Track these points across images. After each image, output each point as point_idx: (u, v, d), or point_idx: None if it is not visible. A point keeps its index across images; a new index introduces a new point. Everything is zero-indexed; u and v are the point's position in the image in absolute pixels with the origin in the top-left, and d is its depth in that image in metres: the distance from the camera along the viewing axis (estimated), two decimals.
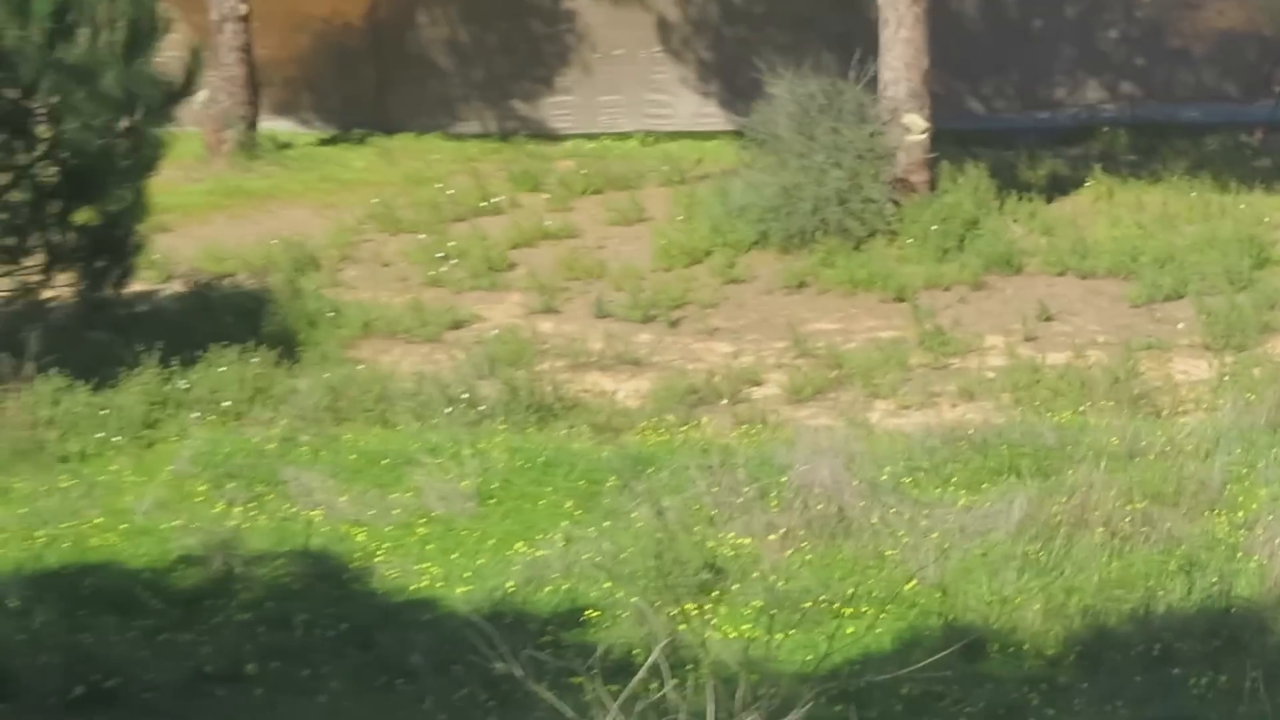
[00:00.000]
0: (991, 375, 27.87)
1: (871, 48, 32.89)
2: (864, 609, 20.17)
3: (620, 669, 13.68)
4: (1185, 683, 18.27)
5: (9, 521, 23.51)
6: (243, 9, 36.82)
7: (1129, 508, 22.30)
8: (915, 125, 33.04)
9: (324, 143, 38.70)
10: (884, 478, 23.43)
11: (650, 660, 12.05)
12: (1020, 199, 33.96)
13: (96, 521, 23.45)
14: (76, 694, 18.82)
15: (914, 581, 20.73)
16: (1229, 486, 23.08)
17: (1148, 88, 40.40)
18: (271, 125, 37.92)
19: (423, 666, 19.25)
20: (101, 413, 26.22)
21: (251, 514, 23.55)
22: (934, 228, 32.16)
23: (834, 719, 12.88)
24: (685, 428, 26.12)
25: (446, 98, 39.01)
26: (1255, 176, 36.08)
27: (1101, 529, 21.91)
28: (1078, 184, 35.75)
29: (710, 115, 38.22)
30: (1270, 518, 21.78)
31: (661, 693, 11.66)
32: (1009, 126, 39.04)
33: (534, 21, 39.09)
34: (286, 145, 37.94)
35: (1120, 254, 32.08)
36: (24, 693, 18.82)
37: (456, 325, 29.85)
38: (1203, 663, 18.75)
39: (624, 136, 38.39)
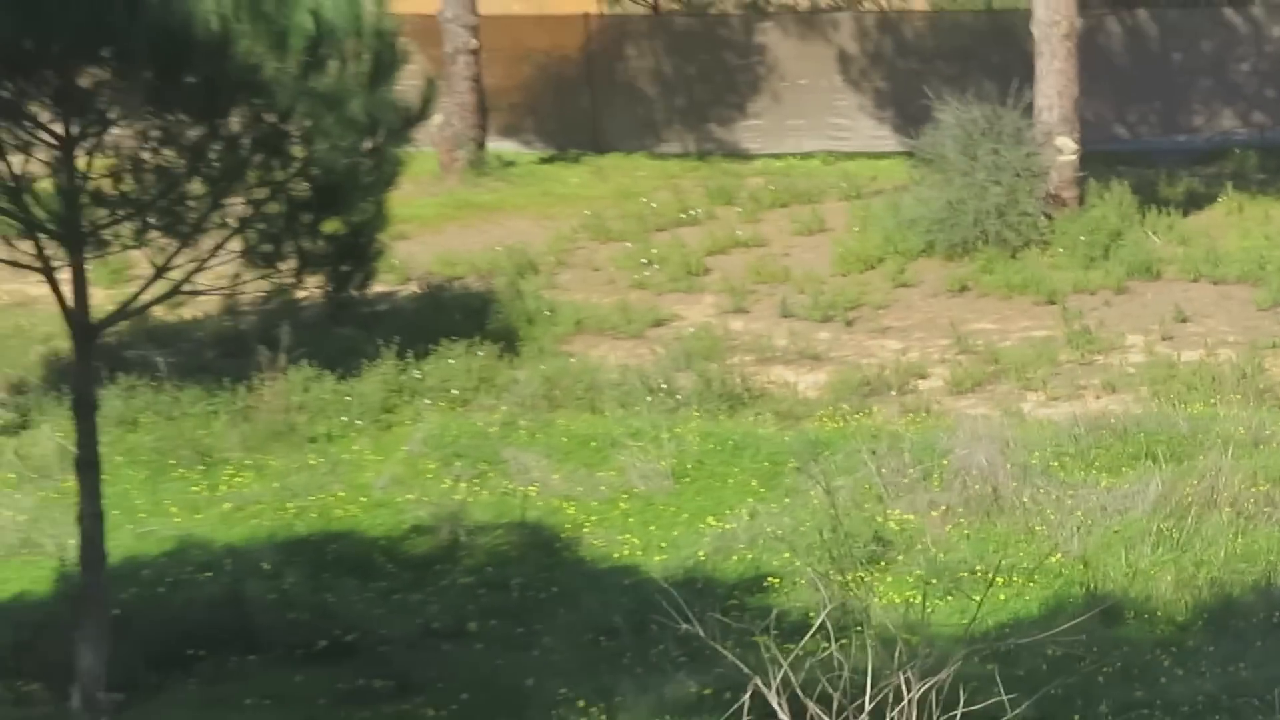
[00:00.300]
0: (1131, 371, 27.67)
1: (1028, 78, 32.70)
2: (1013, 578, 20.15)
3: (795, 630, 13.68)
4: None
5: (264, 494, 23.76)
6: (474, 43, 36.95)
7: (1253, 490, 22.18)
8: (1066, 147, 32.86)
9: (543, 161, 38.79)
10: (1034, 461, 23.33)
11: (819, 622, 12.05)
12: (1159, 213, 33.64)
13: (340, 495, 23.67)
14: (320, 646, 19.01)
15: (1059, 554, 20.66)
16: None
17: (1276, 115, 40.00)
18: (498, 146, 38.05)
19: (623, 626, 19.34)
20: (345, 399, 26.45)
21: (475, 489, 23.72)
22: (1082, 238, 31.96)
23: (984, 676, 12.75)
24: (858, 416, 26.05)
25: (651, 121, 39.07)
26: None
27: (1228, 509, 21.80)
28: (1211, 200, 35.40)
29: (884, 137, 38.11)
30: None
31: (828, 651, 11.65)
32: (1150, 148, 38.71)
33: (729, 54, 39.12)
34: (511, 163, 38.06)
35: (1249, 262, 31.78)
36: (275, 645, 19.03)
37: (658, 323, 29.87)
38: None
39: (807, 156, 38.29)
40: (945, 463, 23.08)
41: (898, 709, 11.16)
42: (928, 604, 19.10)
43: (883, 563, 20.82)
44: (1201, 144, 40.00)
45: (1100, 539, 21.18)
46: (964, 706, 11.25)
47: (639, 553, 21.71)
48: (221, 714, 17.66)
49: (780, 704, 11.17)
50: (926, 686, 11.22)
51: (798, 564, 20.35)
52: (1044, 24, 32.96)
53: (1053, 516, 21.68)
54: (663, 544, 21.96)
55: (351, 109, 18.02)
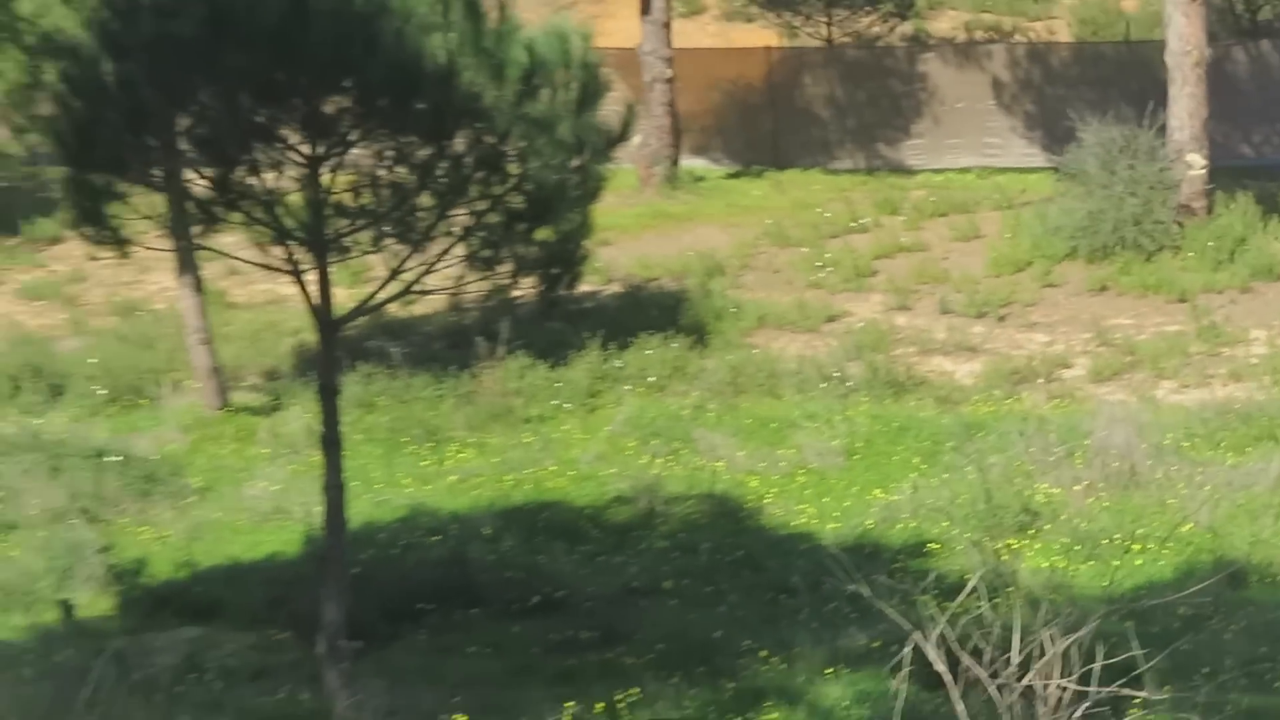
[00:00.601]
0: (1255, 362, 27.39)
1: (1161, 102, 32.37)
2: (1148, 546, 19.97)
3: (951, 591, 13.60)
4: None
5: (485, 468, 23.92)
6: (668, 73, 37.00)
7: None
8: (1196, 163, 32.52)
9: (729, 176, 38.73)
10: (1166, 442, 23.16)
11: (973, 584, 12.01)
12: None
13: (551, 469, 23.80)
14: (533, 602, 19.14)
15: (1189, 524, 20.45)
16: None
17: None
18: (689, 163, 38.05)
19: (800, 585, 19.32)
20: (556, 385, 26.59)
21: (669, 465, 23.77)
22: (1210, 244, 31.61)
23: (1121, 633, 12.64)
24: (1009, 401, 25.94)
25: (825, 141, 38.99)
26: None
27: None
28: None
29: (1033, 155, 37.80)
30: None
31: (981, 610, 11.60)
32: (1273, 165, 38.13)
33: (894, 81, 38.99)
34: (701, 178, 38.04)
35: None
36: (493, 600, 19.18)
37: (830, 319, 29.80)
38: None
39: (964, 171, 38.01)
40: (1087, 443, 22.92)
41: (1042, 662, 11.11)
42: (1070, 568, 18.99)
43: (1030, 531, 20.72)
44: None
45: (1227, 511, 20.96)
46: (1102, 660, 11.19)
47: (814, 521, 21.72)
48: (447, 660, 17.80)
49: (937, 656, 11.15)
50: (1069, 642, 11.16)
51: (955, 532, 20.31)
52: (1176, 53, 32.65)
53: (1184, 491, 21.49)
54: (835, 514, 21.94)
55: (561, 131, 18.09)
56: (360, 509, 20.45)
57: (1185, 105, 32.65)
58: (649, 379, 26.95)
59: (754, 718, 15.96)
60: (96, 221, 17.88)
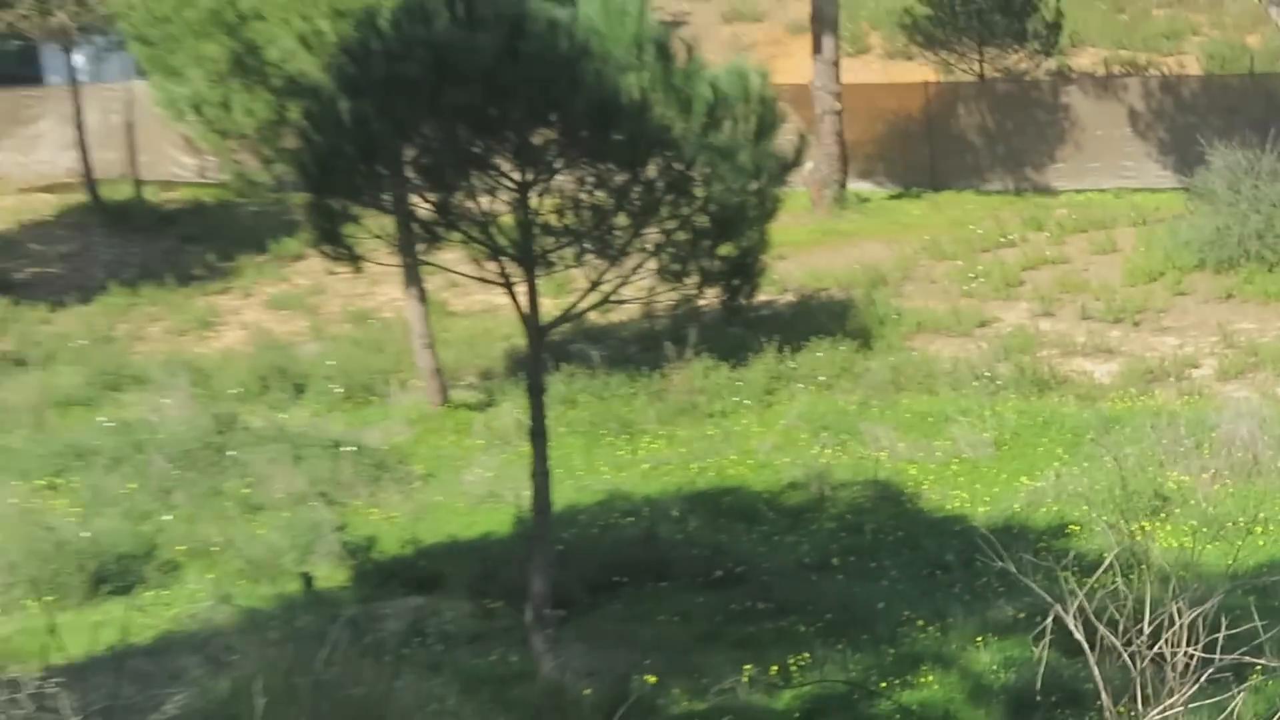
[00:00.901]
0: None
1: None
2: (1269, 528, 19.76)
3: (1090, 568, 13.48)
4: None
5: (673, 457, 24.02)
6: (837, 106, 36.95)
7: None
8: None
9: (892, 198, 38.59)
10: None
11: (1108, 562, 11.93)
12: None
13: (732, 458, 23.85)
14: (716, 576, 19.19)
15: None
16: None
17: None
18: (855, 186, 37.97)
19: (954, 562, 19.29)
20: (736, 383, 26.66)
21: (837, 454, 23.78)
22: None
23: (1244, 607, 12.52)
24: (1142, 398, 25.71)
25: (978, 165, 38.74)
26: None
27: None
28: None
29: (1165, 177, 37.36)
30: None
31: (1116, 585, 11.51)
32: None
33: (1039, 111, 38.65)
34: (866, 200, 37.94)
35: None
36: (681, 574, 19.24)
37: (982, 324, 29.66)
38: None
39: (1102, 192, 37.64)
40: (1214, 435, 22.68)
41: (1171, 632, 11.02)
42: (1198, 548, 18.75)
43: (1162, 515, 20.54)
44: None
45: None
46: (1225, 630, 11.08)
47: (966, 505, 21.65)
48: (640, 627, 17.89)
49: (1076, 626, 11.09)
50: (1195, 614, 11.06)
51: (1093, 515, 20.15)
52: None
53: None
54: (985, 498, 21.86)
55: (741, 159, 18.11)
56: (563, 493, 20.62)
57: None
58: (819, 378, 26.96)
59: (912, 680, 15.94)
60: (334, 241, 18.13)
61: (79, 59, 40.88)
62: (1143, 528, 19.43)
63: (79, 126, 38.55)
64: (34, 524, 20.57)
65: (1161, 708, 10.39)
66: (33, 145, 41.30)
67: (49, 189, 39.74)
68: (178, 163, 38.91)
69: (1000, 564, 12.82)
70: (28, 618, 17.48)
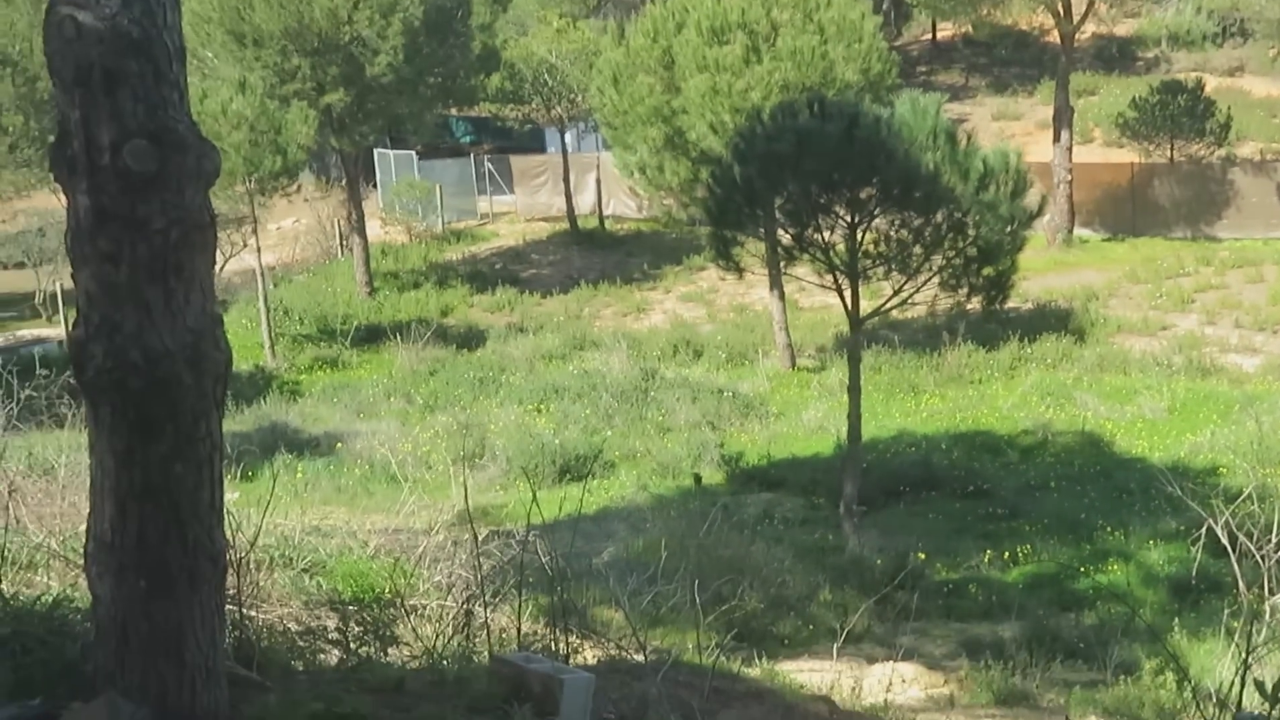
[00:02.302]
0: None
1: None
2: None
3: (1234, 496, 12.93)
4: None
5: (944, 409, 23.62)
6: (1069, 177, 35.91)
7: None
8: None
9: (1104, 240, 37.22)
10: None
11: (1247, 492, 11.42)
12: None
13: (985, 412, 23.37)
14: (969, 490, 18.87)
15: None
16: None
17: None
18: (1079, 232, 36.72)
19: (1135, 489, 18.61)
20: (989, 362, 26.08)
21: (1057, 413, 23.03)
22: None
23: None
24: (1277, 383, 24.39)
25: (1166, 220, 37.05)
26: None
27: None
28: None
29: None
30: None
31: (1252, 509, 11.03)
32: None
33: (1212, 184, 36.81)
34: (1085, 241, 36.66)
35: None
36: (945, 488, 18.95)
37: (1163, 329, 28.32)
38: None
39: (1255, 240, 35.66)
40: None
41: None
42: None
43: None
44: None
45: None
46: None
47: (1146, 451, 20.84)
48: (916, 521, 17.72)
49: (1222, 535, 10.66)
50: None
51: (1238, 462, 19.21)
52: None
53: None
54: (1160, 448, 20.99)
55: (1000, 211, 17.75)
56: (868, 429, 20.43)
57: None
58: (1047, 360, 26.21)
59: (1103, 567, 15.50)
60: (726, 257, 18.32)
61: (568, 136, 41.83)
62: (1274, 472, 18.54)
63: (566, 180, 39.49)
64: (525, 433, 21.20)
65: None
66: (536, 192, 42.33)
67: (545, 220, 40.74)
68: (626, 205, 39.50)
69: (1169, 490, 12.43)
70: (518, 492, 18.04)
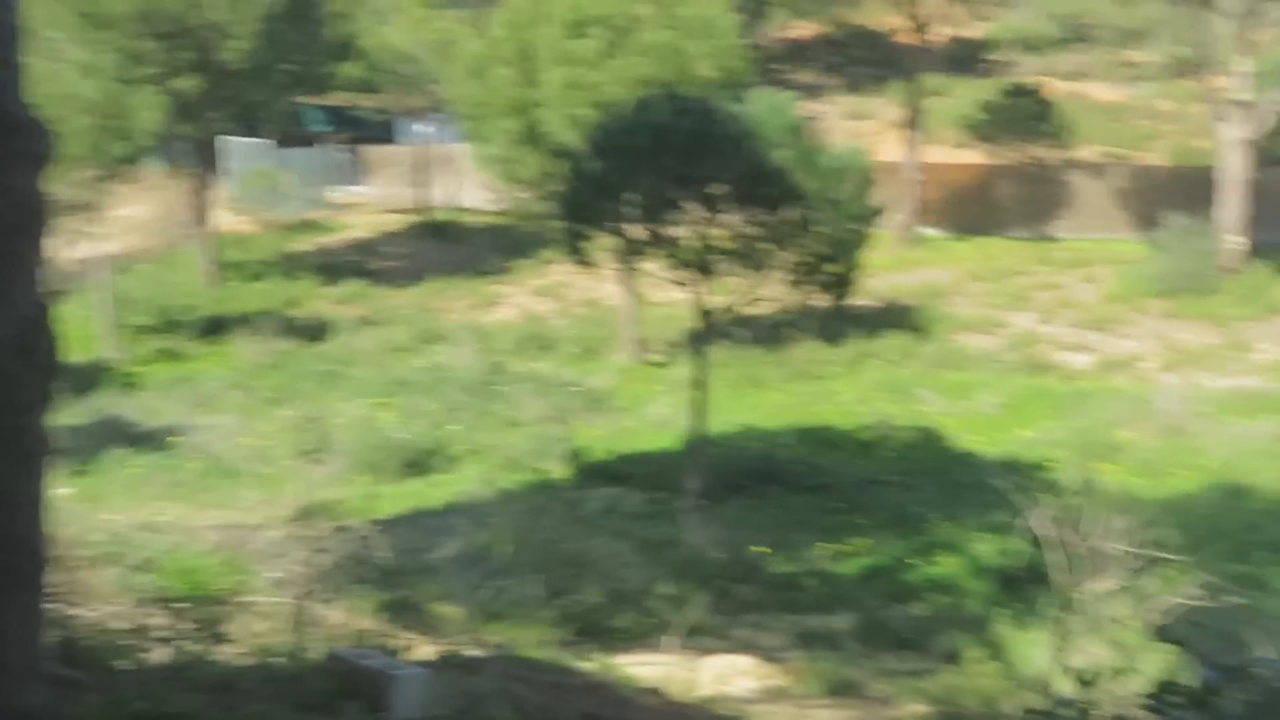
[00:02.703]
0: (1264, 363, 26.26)
1: (1218, 202, 31.26)
2: (1183, 471, 19.36)
3: (1061, 492, 13.33)
4: None
5: (788, 404, 23.94)
6: (918, 177, 36.64)
7: None
8: (1235, 241, 31.23)
9: (948, 239, 37.94)
10: (1204, 410, 22.35)
11: (1070, 488, 11.78)
12: None
13: (827, 407, 23.75)
14: (810, 484, 19.17)
15: (1213, 459, 19.73)
16: None
17: None
18: (927, 231, 37.41)
19: (969, 483, 18.95)
20: (834, 358, 26.51)
21: (898, 408, 23.45)
22: (1241, 291, 30.13)
23: (1163, 520, 12.29)
24: (1107, 380, 25.17)
25: (1006, 219, 37.78)
26: None
27: None
28: None
29: (1134, 233, 36.37)
30: None
31: (1075, 503, 11.35)
32: None
33: (1051, 186, 37.79)
34: (932, 240, 37.33)
35: None
36: (787, 482, 19.22)
37: (999, 326, 28.97)
38: None
39: (1090, 241, 36.65)
40: (1153, 407, 22.20)
41: (1109, 530, 10.74)
42: (1135, 482, 18.43)
43: (1113, 459, 20.05)
44: None
45: (1234, 453, 20.16)
46: (1146, 536, 10.84)
47: (981, 445, 21.28)
48: (758, 515, 17.90)
49: (1044, 527, 10.95)
50: (1123, 523, 10.82)
51: (1066, 456, 19.78)
52: (1226, 173, 31.56)
53: (1210, 439, 20.76)
54: (994, 442, 21.44)
55: (848, 208, 18.11)
56: (714, 425, 20.55)
57: (1230, 206, 31.47)
58: (890, 357, 26.72)
59: (934, 558, 15.90)
60: (577, 252, 18.39)
61: (425, 127, 41.50)
62: (1098, 467, 19.14)
63: (420, 172, 39.22)
64: (369, 427, 21.04)
65: (1097, 583, 10.27)
66: (390, 183, 41.95)
67: (399, 211, 40.42)
68: (481, 198, 39.38)
69: (997, 483, 12.79)
70: (360, 487, 17.93)
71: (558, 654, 10.81)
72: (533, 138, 26.86)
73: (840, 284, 19.05)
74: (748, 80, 27.48)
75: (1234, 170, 31.60)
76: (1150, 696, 5.62)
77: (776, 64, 47.40)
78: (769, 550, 15.62)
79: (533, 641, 11.13)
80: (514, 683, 8.59)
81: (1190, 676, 5.80)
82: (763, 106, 18.61)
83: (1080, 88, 44.02)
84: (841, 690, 11.23)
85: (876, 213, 22.88)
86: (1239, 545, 15.94)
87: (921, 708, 10.80)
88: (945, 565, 15.57)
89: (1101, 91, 44.17)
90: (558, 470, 19.74)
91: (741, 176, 17.24)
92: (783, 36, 51.23)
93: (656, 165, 17.17)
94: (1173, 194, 34.77)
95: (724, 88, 26.11)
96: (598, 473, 19.68)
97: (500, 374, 24.44)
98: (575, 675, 9.79)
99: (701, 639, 11.91)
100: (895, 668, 12.07)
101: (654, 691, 9.42)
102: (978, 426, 22.38)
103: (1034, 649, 11.27)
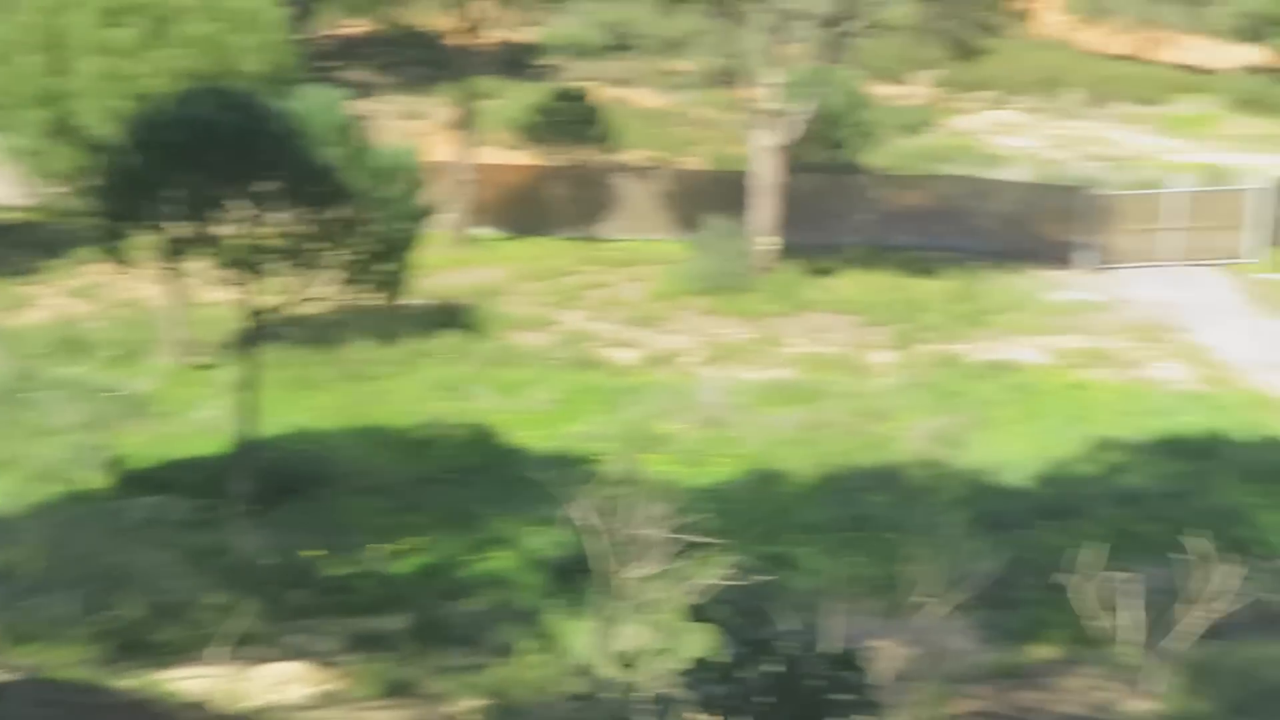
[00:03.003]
0: (793, 355, 27.72)
1: (752, 205, 32.96)
2: (723, 459, 20.18)
3: (610, 483, 13.66)
4: None
5: (346, 405, 23.41)
6: (471, 177, 36.81)
7: None
8: (767, 242, 32.89)
9: (503, 239, 38.12)
10: (738, 401, 23.43)
11: (614, 478, 12.08)
12: (816, 275, 33.38)
13: (384, 407, 23.37)
14: (367, 485, 18.97)
15: (747, 448, 20.64)
16: None
17: (885, 232, 39.52)
18: (481, 231, 37.59)
19: (522, 478, 19.21)
20: (389, 357, 26.12)
21: (455, 406, 23.35)
22: (773, 289, 31.64)
23: (705, 507, 12.80)
24: (652, 375, 26.05)
25: (558, 220, 38.50)
26: None
27: None
28: (837, 270, 34.75)
29: (677, 233, 37.82)
30: None
31: (619, 493, 11.64)
32: (823, 245, 38.25)
33: (599, 188, 38.95)
34: (486, 240, 37.57)
35: (860, 303, 30.97)
36: (340, 485, 18.95)
37: (552, 324, 29.29)
38: None
39: (637, 241, 37.94)
40: (695, 400, 23.15)
41: (645, 519, 11.00)
42: (678, 471, 19.13)
43: (659, 450, 20.78)
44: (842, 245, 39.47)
45: (768, 441, 21.29)
46: (684, 521, 11.24)
47: (534, 441, 21.65)
48: (311, 519, 17.57)
49: (589, 518, 11.11)
50: (661, 510, 11.16)
51: (615, 448, 20.26)
52: (759, 178, 33.35)
53: (747, 429, 21.84)
54: (547, 438, 21.85)
55: (398, 207, 18.05)
56: (266, 428, 20.05)
57: (764, 209, 33.22)
58: (445, 356, 26.61)
59: (489, 554, 16.09)
60: (114, 251, 17.61)
61: None
62: (644, 458, 19.84)
63: None
64: None
65: (638, 569, 10.57)
66: None
67: None
68: (12, 192, 36.83)
69: (554, 477, 13.02)
70: None
71: (95, 673, 10.25)
72: (65, 130, 25.36)
73: (392, 283, 19.02)
74: (296, 76, 26.86)
75: (766, 175, 33.43)
76: (684, 674, 5.85)
77: (327, 61, 46.66)
78: (322, 553, 15.37)
79: (68, 662, 10.52)
80: (42, 707, 8.08)
81: (722, 653, 6.07)
82: (311, 104, 18.29)
83: (626, 94, 45.52)
84: (397, 690, 11.17)
85: (428, 212, 22.83)
86: (772, 528, 16.90)
87: (475, 702, 10.87)
88: (499, 560, 15.80)
89: (646, 98, 45.82)
90: (96, 480, 18.73)
91: (289, 174, 16.94)
92: (334, 34, 50.49)
93: (200, 162, 16.64)
94: (712, 197, 36.42)
95: (271, 83, 25.43)
96: (140, 481, 18.82)
97: (30, 380, 22.94)
98: (112, 695, 9.31)
99: (252, 648, 11.56)
100: (450, 664, 12.11)
101: (198, 706, 9.06)
102: (531, 423, 22.72)
103: (583, 637, 11.55)
